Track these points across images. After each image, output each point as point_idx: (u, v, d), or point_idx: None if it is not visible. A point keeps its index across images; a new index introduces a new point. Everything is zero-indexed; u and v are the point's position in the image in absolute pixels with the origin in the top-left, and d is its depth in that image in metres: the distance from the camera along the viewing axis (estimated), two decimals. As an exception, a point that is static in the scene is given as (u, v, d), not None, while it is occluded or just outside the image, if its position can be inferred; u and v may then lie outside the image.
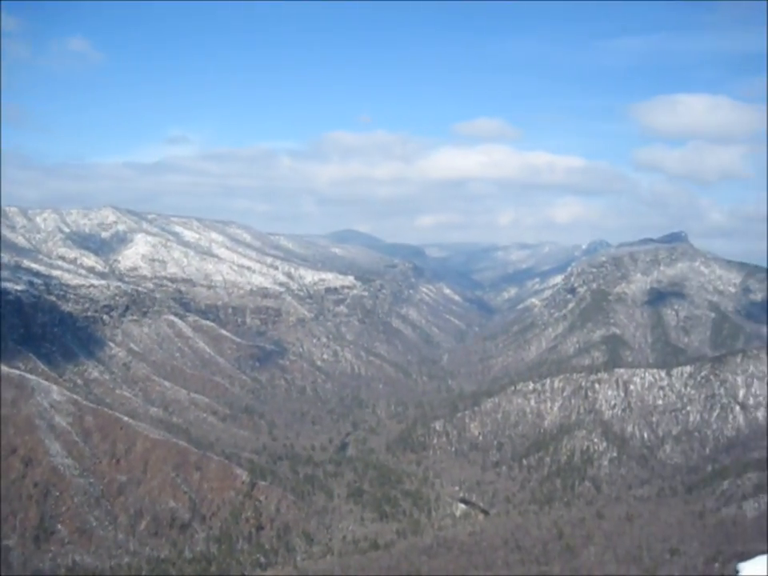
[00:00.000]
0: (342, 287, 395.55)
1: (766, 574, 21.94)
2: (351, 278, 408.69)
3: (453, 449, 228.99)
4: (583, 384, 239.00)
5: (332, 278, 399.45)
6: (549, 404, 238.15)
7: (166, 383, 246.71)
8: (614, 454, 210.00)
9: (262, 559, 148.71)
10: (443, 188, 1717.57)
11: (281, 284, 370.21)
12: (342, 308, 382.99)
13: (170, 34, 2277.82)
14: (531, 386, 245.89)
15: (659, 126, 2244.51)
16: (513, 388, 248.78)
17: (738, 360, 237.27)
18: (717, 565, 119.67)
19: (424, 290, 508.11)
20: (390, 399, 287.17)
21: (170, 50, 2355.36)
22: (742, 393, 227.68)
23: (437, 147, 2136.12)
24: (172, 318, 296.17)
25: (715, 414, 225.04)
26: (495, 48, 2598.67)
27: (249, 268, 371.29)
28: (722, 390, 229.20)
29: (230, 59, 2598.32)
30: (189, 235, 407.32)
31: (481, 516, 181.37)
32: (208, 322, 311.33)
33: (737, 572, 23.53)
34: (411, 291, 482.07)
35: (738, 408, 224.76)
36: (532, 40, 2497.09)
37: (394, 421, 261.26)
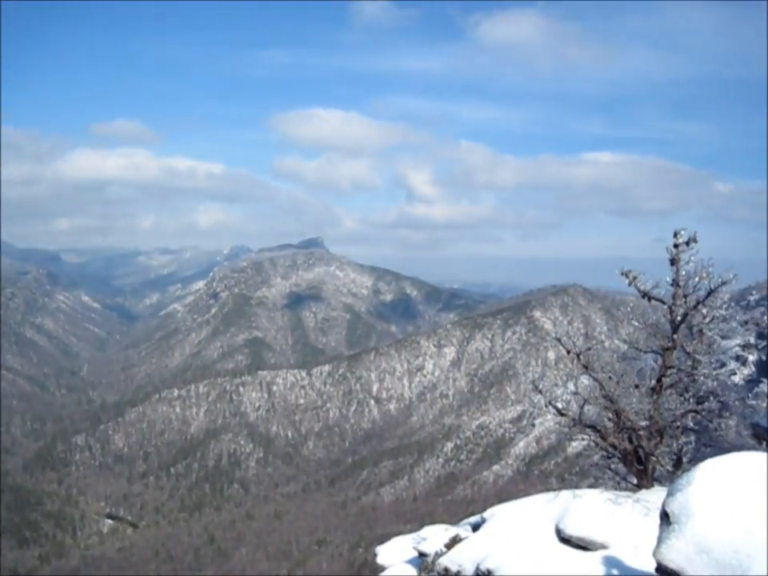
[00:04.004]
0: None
1: (398, 554, 25.09)
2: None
3: (97, 463, 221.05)
4: (228, 388, 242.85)
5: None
6: (194, 410, 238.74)
7: None
8: (261, 455, 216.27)
9: None
10: (80, 190, 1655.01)
11: None
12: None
13: None
14: (176, 392, 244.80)
15: (297, 137, 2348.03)
16: (157, 396, 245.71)
17: (372, 357, 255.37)
18: (360, 550, 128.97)
19: (61, 297, 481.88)
20: (25, 416, 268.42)
21: None
22: (375, 388, 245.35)
23: (73, 148, 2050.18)
24: None
25: (353, 409, 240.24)
26: (134, 48, 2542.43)
27: None
28: (357, 386, 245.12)
29: None
30: None
31: (130, 530, 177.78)
32: None
33: (375, 555, 26.42)
34: (47, 299, 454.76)
35: (372, 402, 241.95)
36: (173, 43, 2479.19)
37: (30, 438, 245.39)
